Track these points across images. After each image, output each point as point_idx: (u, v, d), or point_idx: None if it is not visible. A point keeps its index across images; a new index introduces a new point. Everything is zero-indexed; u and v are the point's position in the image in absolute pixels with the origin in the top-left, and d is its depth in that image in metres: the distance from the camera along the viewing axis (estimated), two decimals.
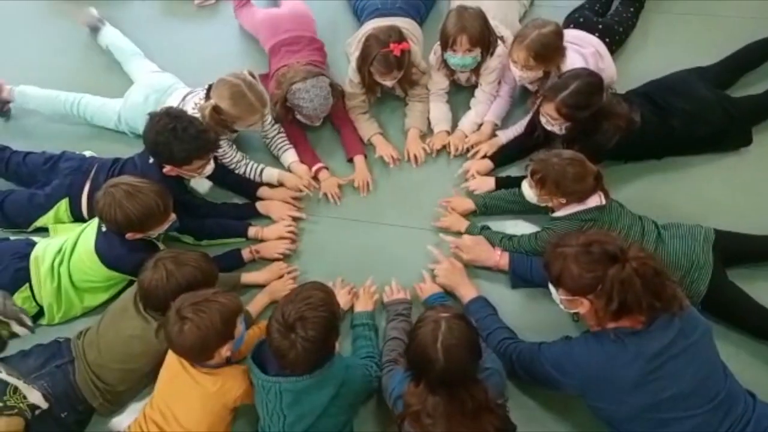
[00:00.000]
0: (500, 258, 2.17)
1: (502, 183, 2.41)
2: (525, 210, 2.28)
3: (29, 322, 2.11)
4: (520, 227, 2.33)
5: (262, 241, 2.35)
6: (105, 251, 2.06)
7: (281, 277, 2.24)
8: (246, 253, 2.29)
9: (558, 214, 2.11)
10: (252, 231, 2.35)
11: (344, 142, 2.63)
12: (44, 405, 1.85)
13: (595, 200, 2.04)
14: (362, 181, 2.52)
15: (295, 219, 2.42)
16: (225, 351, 1.75)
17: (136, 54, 2.86)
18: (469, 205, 2.37)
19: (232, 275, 2.24)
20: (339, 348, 1.73)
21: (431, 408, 1.53)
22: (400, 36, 2.44)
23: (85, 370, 1.91)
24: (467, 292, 2.11)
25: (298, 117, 2.54)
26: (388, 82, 2.52)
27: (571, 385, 1.72)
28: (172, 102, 2.40)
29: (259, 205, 2.44)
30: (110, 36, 2.96)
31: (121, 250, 2.04)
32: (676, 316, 1.59)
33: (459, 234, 2.32)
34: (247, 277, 2.25)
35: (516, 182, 2.28)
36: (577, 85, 2.12)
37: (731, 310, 2.03)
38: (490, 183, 2.42)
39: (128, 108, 2.60)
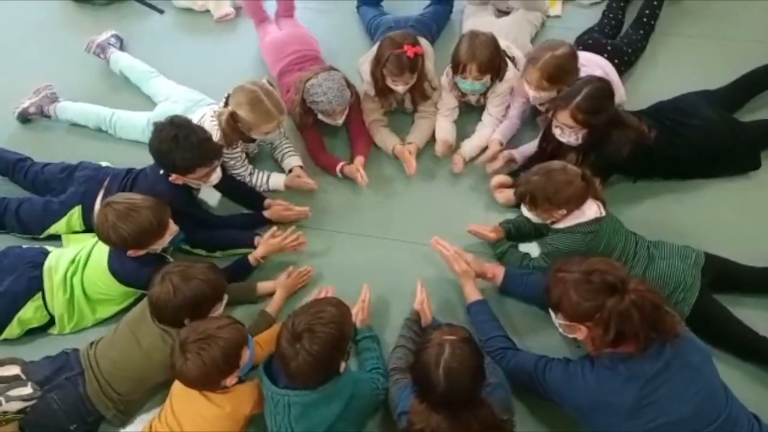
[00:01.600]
0: (495, 272, 2.16)
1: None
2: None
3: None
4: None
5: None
6: (118, 269, 2.08)
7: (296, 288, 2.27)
8: (251, 260, 2.29)
9: (559, 226, 2.09)
10: (257, 240, 2.36)
11: (353, 147, 2.66)
12: (32, 402, 1.82)
13: (594, 211, 2.03)
14: (355, 176, 2.53)
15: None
16: (230, 381, 1.76)
17: (154, 73, 2.91)
18: (501, 231, 2.35)
19: (248, 286, 2.25)
20: (344, 368, 1.71)
21: (435, 426, 1.53)
22: (414, 40, 2.48)
23: (97, 381, 1.92)
24: (473, 292, 2.11)
25: (320, 116, 2.56)
26: (400, 87, 2.54)
27: (568, 408, 1.73)
28: (200, 113, 2.43)
29: (267, 213, 2.46)
30: (123, 60, 3.00)
31: (131, 267, 2.06)
32: (672, 341, 1.60)
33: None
34: (262, 287, 2.25)
35: None
36: (589, 90, 2.12)
37: (715, 329, 2.03)
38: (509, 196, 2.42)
39: (159, 114, 2.64)
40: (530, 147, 2.54)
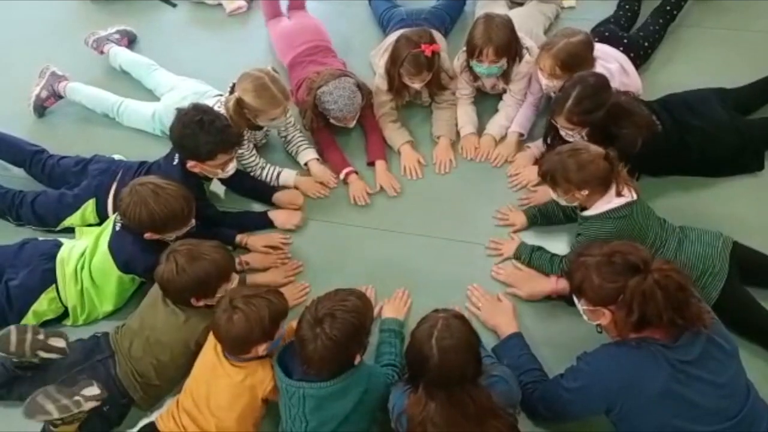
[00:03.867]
0: (557, 283, 2.11)
1: None
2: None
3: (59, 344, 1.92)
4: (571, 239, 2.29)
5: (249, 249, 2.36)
6: (117, 250, 2.08)
7: (287, 278, 2.26)
8: (236, 263, 2.25)
9: (588, 213, 2.04)
10: (238, 238, 2.36)
11: (367, 146, 2.65)
12: (103, 394, 1.82)
13: (625, 195, 1.97)
14: (386, 183, 2.53)
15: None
16: (262, 350, 1.77)
17: (154, 66, 2.91)
18: (524, 219, 2.35)
19: (240, 276, 2.23)
20: (358, 361, 1.71)
21: (434, 414, 1.51)
22: (431, 38, 2.47)
23: (126, 363, 1.94)
24: (506, 328, 2.05)
25: (332, 121, 2.57)
26: (417, 85, 2.54)
27: (595, 397, 1.66)
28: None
29: (270, 214, 2.46)
30: (122, 54, 3.00)
31: (134, 250, 2.06)
32: (701, 333, 1.57)
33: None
34: (252, 278, 2.25)
35: None
36: (578, 92, 2.10)
37: (742, 317, 1.99)
38: (548, 192, 2.35)
39: (165, 106, 2.65)
40: None
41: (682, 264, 1.96)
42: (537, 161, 2.49)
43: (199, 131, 2.07)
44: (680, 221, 2.15)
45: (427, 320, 1.59)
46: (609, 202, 1.98)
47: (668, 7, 2.87)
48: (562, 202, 2.08)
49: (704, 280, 1.98)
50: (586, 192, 1.97)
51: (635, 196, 1.98)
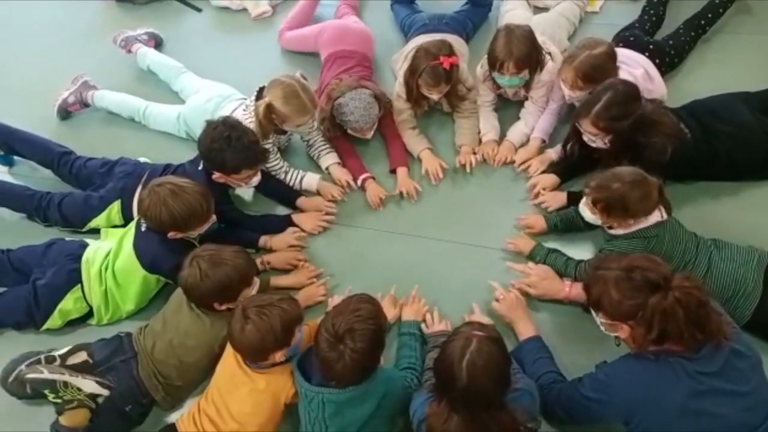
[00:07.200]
0: (570, 289, 2.10)
1: (573, 198, 2.30)
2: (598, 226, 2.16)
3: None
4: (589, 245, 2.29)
5: (273, 250, 2.38)
6: (143, 250, 2.11)
7: (310, 280, 2.28)
8: (258, 263, 2.29)
9: (618, 231, 2.01)
10: (262, 240, 2.39)
11: (389, 153, 2.66)
12: (103, 391, 1.87)
13: (656, 216, 1.96)
14: (408, 189, 2.53)
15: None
16: (279, 356, 1.78)
17: (182, 69, 2.95)
18: (543, 224, 2.33)
19: (261, 277, 2.25)
20: (383, 361, 1.73)
21: (454, 428, 1.50)
22: (450, 50, 2.47)
23: (148, 364, 1.97)
24: (525, 329, 2.03)
25: (349, 131, 2.58)
26: (435, 96, 2.54)
27: (613, 410, 1.66)
28: (230, 108, 2.47)
29: (294, 217, 2.48)
30: (150, 55, 3.04)
31: (159, 250, 2.09)
32: (722, 345, 1.55)
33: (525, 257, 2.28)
34: (276, 280, 2.27)
35: None
36: (609, 97, 2.08)
37: None
38: (561, 198, 2.37)
39: (189, 108, 2.70)
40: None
41: (712, 283, 1.93)
42: (554, 171, 2.48)
43: (226, 147, 2.11)
44: (708, 229, 2.13)
45: (460, 335, 1.55)
46: (641, 222, 1.96)
47: (702, 21, 2.83)
48: (597, 222, 2.04)
49: (735, 301, 1.94)
50: (633, 221, 1.95)
51: (665, 216, 1.96)
